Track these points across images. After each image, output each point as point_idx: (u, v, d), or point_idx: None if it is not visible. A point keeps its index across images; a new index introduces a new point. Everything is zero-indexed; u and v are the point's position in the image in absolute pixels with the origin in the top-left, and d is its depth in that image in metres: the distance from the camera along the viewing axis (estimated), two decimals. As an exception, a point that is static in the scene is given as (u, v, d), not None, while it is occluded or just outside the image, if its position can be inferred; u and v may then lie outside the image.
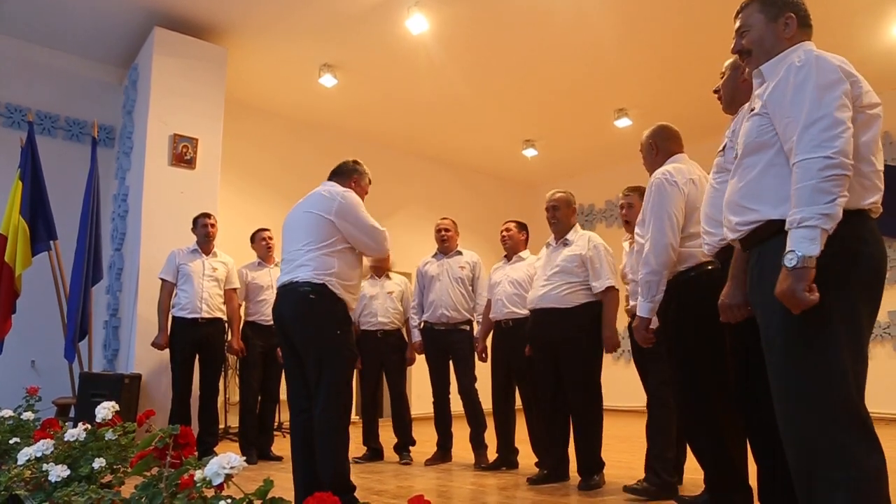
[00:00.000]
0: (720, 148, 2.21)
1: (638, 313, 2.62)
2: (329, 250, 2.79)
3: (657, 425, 3.15)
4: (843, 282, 1.58)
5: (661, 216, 2.59)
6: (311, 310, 2.73)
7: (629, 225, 3.34)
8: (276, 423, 5.10)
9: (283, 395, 4.77)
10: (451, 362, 4.47)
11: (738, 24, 1.93)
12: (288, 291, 2.80)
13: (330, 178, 3.08)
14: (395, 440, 4.54)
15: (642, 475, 3.16)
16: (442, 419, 4.46)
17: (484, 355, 4.34)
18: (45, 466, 1.94)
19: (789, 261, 1.52)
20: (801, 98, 1.62)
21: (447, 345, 4.42)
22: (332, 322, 2.75)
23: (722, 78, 2.34)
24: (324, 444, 2.65)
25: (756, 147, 1.78)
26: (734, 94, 2.28)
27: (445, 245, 4.58)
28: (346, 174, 3.08)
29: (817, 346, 1.57)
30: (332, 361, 2.71)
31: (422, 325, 4.53)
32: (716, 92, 2.37)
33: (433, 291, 4.46)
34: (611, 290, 3.48)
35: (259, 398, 4.64)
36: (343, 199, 2.86)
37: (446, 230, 4.59)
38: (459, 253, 4.58)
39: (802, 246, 1.51)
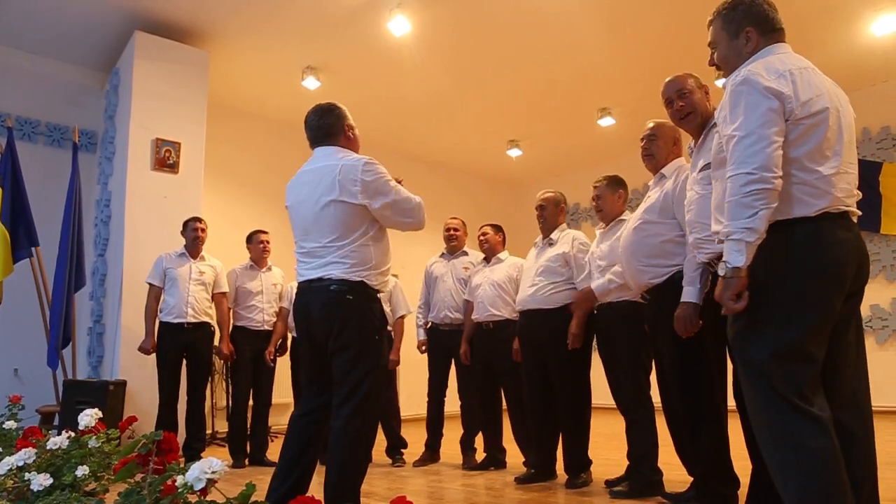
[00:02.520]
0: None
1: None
2: (363, 240, 2.46)
3: (639, 426, 3.13)
4: (773, 289, 1.67)
5: None
6: (347, 312, 2.41)
7: (601, 213, 3.51)
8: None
9: (275, 399, 4.80)
10: (452, 364, 4.43)
11: (709, 38, 2.02)
12: (318, 289, 2.44)
13: (322, 144, 2.60)
14: (385, 442, 4.52)
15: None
16: (435, 420, 4.44)
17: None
18: (27, 475, 1.92)
19: (720, 270, 1.69)
20: (733, 116, 1.73)
21: (451, 346, 4.36)
22: (370, 326, 2.46)
23: (682, 97, 2.60)
24: (343, 458, 2.35)
25: (718, 162, 1.90)
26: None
27: (453, 245, 4.55)
28: (335, 129, 2.59)
29: (749, 346, 1.70)
30: (364, 369, 2.41)
31: (428, 324, 4.51)
32: (684, 112, 2.57)
33: (437, 292, 4.45)
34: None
35: (251, 403, 4.60)
36: (368, 178, 2.43)
37: (455, 229, 4.55)
38: (465, 253, 4.56)
39: (731, 257, 1.66)
